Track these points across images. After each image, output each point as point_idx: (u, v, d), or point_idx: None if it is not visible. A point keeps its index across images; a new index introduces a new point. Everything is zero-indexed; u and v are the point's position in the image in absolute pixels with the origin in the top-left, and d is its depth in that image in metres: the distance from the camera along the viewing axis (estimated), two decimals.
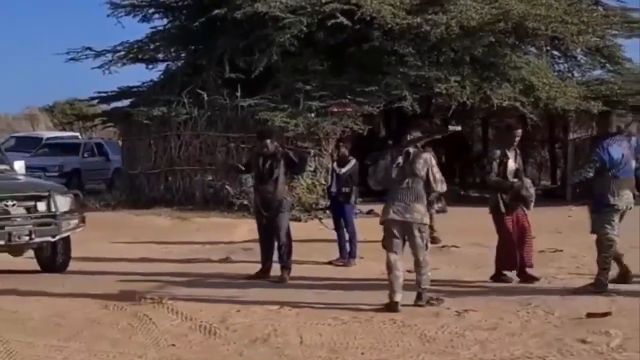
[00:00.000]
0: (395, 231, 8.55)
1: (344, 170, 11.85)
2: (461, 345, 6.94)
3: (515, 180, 9.53)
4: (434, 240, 13.33)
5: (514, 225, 9.61)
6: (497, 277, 9.78)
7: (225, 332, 7.64)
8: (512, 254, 9.61)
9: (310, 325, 7.80)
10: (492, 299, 8.72)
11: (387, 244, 8.61)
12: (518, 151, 9.74)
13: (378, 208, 17.61)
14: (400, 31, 20.11)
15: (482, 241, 13.32)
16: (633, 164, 8.98)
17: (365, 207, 17.48)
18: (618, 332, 7.03)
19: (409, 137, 8.70)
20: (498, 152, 9.75)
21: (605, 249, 8.87)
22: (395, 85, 19.46)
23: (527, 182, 9.55)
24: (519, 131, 9.89)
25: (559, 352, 6.63)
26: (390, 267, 8.50)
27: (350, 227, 11.92)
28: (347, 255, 11.79)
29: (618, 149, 8.82)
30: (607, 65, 24.46)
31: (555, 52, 24.83)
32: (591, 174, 8.83)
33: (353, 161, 11.89)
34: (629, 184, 8.93)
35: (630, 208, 9.00)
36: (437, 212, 13.60)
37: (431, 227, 13.42)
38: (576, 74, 24.87)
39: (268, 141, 10.47)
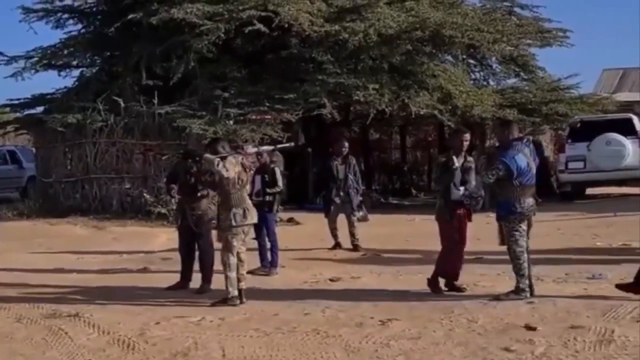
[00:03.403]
0: (241, 235, 9.40)
1: (280, 181, 11.76)
2: (386, 355, 6.87)
3: (461, 188, 9.44)
4: (355, 248, 13.34)
5: (456, 234, 9.53)
6: (433, 282, 9.56)
7: (145, 346, 7.44)
8: (453, 264, 9.55)
9: (232, 337, 7.64)
10: (415, 307, 8.68)
11: (233, 246, 9.24)
12: (468, 157, 9.66)
13: (298, 216, 17.85)
14: (319, 39, 20.12)
15: (403, 248, 13.40)
16: (534, 170, 9.06)
17: (285, 215, 17.45)
18: (542, 340, 7.04)
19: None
20: (442, 158, 9.78)
21: (517, 257, 8.89)
22: (313, 92, 19.42)
23: (472, 188, 9.41)
24: (467, 135, 9.85)
25: None
26: (233, 267, 9.22)
27: (272, 235, 11.79)
28: (268, 264, 11.67)
29: (523, 158, 8.89)
30: (522, 74, 24.95)
31: (471, 61, 25.20)
32: (491, 180, 8.85)
33: (278, 170, 11.79)
34: (531, 191, 9.01)
35: (534, 214, 9.08)
36: (359, 220, 13.58)
37: (352, 235, 13.47)
38: (492, 82, 25.36)
39: (190, 161, 10.40)
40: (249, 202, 9.54)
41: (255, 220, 9.64)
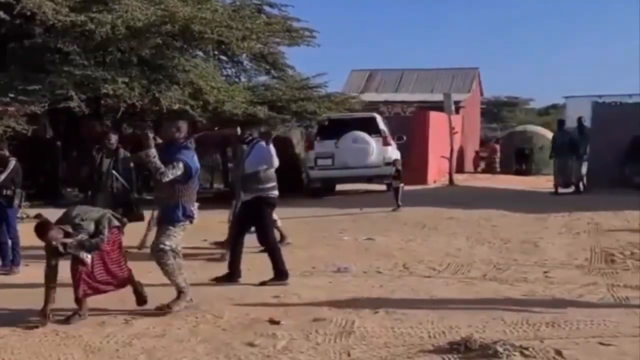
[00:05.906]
0: None
1: (4, 175, 11.07)
2: (127, 355, 6.67)
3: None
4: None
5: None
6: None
7: None
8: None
9: None
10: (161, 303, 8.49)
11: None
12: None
13: (46, 212, 17.07)
14: (64, 28, 19.39)
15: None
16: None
17: (32, 211, 16.73)
18: (284, 334, 7.10)
19: None
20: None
21: (170, 261, 8.26)
22: (60, 84, 18.71)
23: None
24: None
25: (227, 356, 6.56)
26: None
27: (13, 232, 11.22)
28: (9, 263, 11.09)
29: (196, 158, 8.41)
30: (272, 71, 25.21)
31: (223, 57, 25.18)
32: (168, 179, 8.07)
33: (13, 162, 11.15)
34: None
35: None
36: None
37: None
38: (243, 79, 25.42)
39: None
40: None
41: None
